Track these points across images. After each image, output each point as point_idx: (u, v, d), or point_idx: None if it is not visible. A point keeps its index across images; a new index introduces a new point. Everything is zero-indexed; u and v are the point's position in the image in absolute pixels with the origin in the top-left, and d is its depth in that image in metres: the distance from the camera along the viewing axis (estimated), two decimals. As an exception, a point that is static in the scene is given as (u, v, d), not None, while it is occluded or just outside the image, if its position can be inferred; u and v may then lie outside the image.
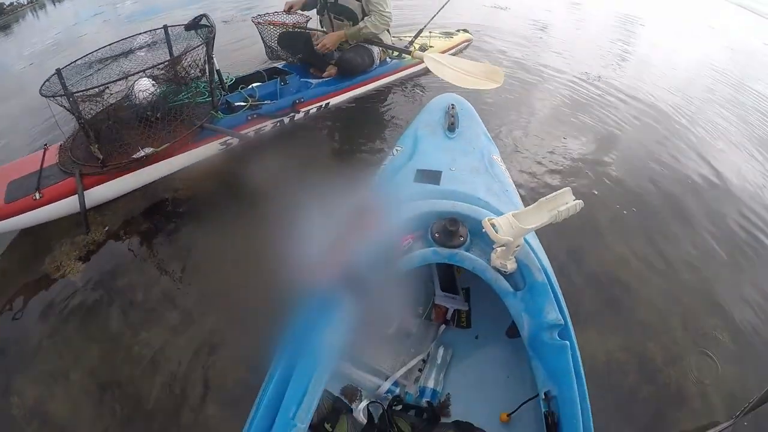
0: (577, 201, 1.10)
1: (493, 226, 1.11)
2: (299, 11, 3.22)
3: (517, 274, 1.23)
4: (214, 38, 2.47)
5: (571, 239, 2.29)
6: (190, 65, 2.49)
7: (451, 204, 1.36)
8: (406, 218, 1.33)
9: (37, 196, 2.20)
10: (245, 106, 2.83)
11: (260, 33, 3.15)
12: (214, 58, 2.57)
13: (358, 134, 3.16)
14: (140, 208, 2.48)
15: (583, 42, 5.61)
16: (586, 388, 1.04)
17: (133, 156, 2.34)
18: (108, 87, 2.20)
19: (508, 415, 1.27)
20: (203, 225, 2.38)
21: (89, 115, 2.23)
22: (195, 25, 2.59)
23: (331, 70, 3.27)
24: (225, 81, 2.89)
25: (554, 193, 1.11)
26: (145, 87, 2.36)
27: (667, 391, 1.72)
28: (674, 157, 3.21)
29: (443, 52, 4.04)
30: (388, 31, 3.30)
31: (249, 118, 2.82)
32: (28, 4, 7.45)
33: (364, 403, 1.32)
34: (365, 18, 3.04)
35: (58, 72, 2.08)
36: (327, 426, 1.21)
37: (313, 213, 1.36)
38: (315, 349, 1.08)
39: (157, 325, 1.87)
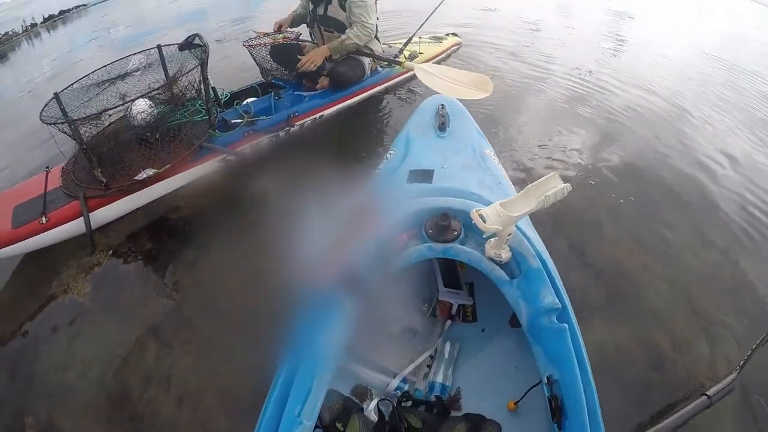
0: (565, 185, 1.11)
1: (482, 216, 1.13)
2: (288, 29, 3.26)
3: (513, 262, 1.25)
4: (208, 58, 2.50)
5: (571, 230, 2.31)
6: (186, 87, 2.54)
7: (442, 200, 1.38)
8: (400, 218, 1.36)
9: (44, 220, 2.24)
10: (241, 122, 2.86)
11: (252, 56, 3.12)
12: (209, 77, 2.61)
13: (353, 141, 3.20)
14: (143, 226, 2.51)
15: (574, 38, 5.64)
16: (589, 369, 1.04)
17: (136, 178, 2.37)
18: (107, 111, 2.23)
19: (515, 403, 1.28)
20: (205, 239, 2.40)
21: (90, 139, 2.27)
22: (188, 44, 2.62)
23: (324, 81, 3.30)
24: (220, 98, 2.93)
25: (541, 179, 1.13)
26: (142, 108, 2.39)
27: (676, 378, 1.72)
28: (672, 144, 3.23)
29: (433, 57, 4.09)
30: (377, 39, 3.34)
31: (245, 134, 2.85)
32: (23, 32, 7.55)
33: (374, 402, 1.34)
34: (347, 30, 3.05)
35: (56, 96, 2.11)
36: (339, 425, 1.23)
37: (310, 219, 1.38)
38: (317, 348, 1.10)
39: (164, 341, 1.89)
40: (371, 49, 3.31)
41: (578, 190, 1.06)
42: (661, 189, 2.73)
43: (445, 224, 1.29)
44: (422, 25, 3.80)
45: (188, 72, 2.43)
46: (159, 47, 2.57)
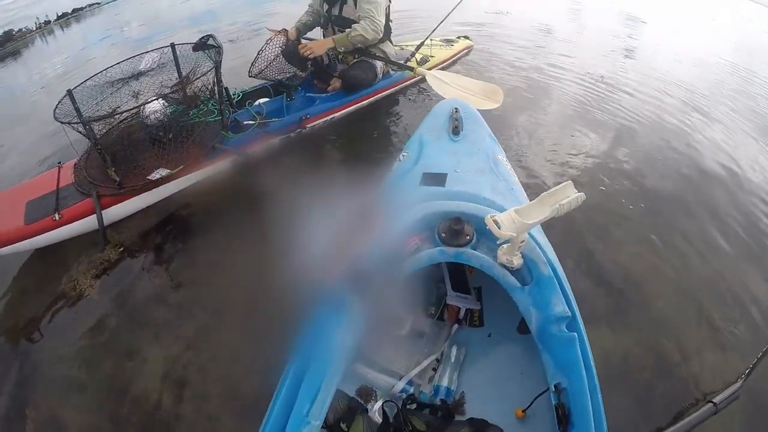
0: (579, 194, 1.12)
1: (496, 222, 1.13)
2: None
3: (524, 269, 1.25)
4: (221, 60, 2.52)
5: (581, 236, 2.31)
6: (200, 88, 2.56)
7: (455, 204, 1.39)
8: (412, 220, 1.37)
9: (57, 216, 2.27)
10: (253, 124, 2.88)
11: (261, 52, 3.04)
12: (223, 77, 2.63)
13: (365, 143, 3.21)
14: (153, 223, 2.54)
15: (586, 42, 5.61)
16: (596, 378, 1.05)
17: (149, 177, 2.39)
18: (120, 110, 2.26)
19: (523, 411, 1.28)
20: (215, 237, 2.42)
21: (102, 137, 2.29)
22: (202, 45, 2.64)
23: (336, 83, 3.32)
24: (233, 98, 2.95)
25: (556, 187, 1.13)
26: (155, 107, 2.41)
27: (683, 386, 1.71)
28: (683, 151, 3.21)
29: (445, 61, 4.10)
30: (390, 41, 3.35)
31: (257, 135, 2.86)
32: (36, 30, 7.62)
33: (379, 403, 1.35)
34: (354, 24, 3.01)
35: (70, 93, 2.13)
36: (343, 426, 1.24)
37: (321, 220, 1.39)
38: (327, 349, 1.11)
39: (172, 338, 1.91)
40: (384, 52, 3.31)
41: (588, 196, 1.06)
42: (671, 195, 2.71)
43: (459, 228, 1.29)
44: (435, 29, 3.80)
45: (202, 75, 2.45)
46: (173, 46, 2.58)
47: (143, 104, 2.34)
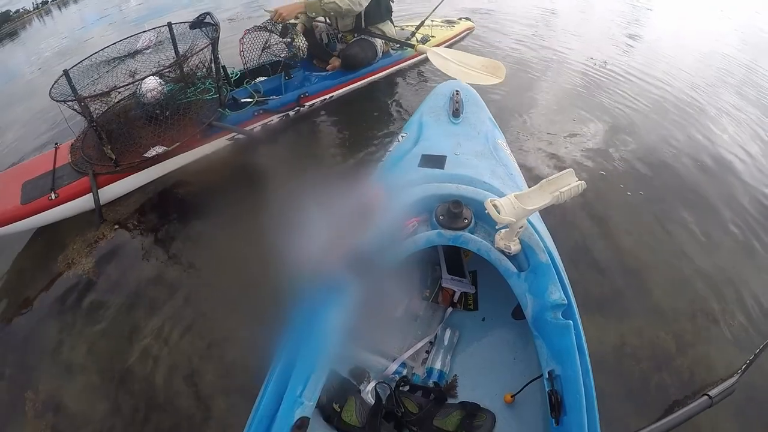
0: (580, 182, 1.10)
1: (496, 207, 1.12)
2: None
3: (521, 255, 1.24)
4: (218, 37, 2.49)
5: (579, 223, 2.29)
6: (197, 65, 2.53)
7: (455, 187, 1.37)
8: (410, 202, 1.35)
9: (53, 196, 2.26)
10: (251, 101, 2.86)
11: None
12: (220, 56, 2.60)
13: (364, 123, 3.18)
14: (150, 202, 2.53)
15: (590, 27, 5.53)
16: (590, 367, 1.04)
17: (145, 155, 2.38)
18: (117, 89, 2.23)
19: (512, 396, 1.29)
20: (212, 217, 2.41)
21: (99, 117, 2.28)
22: (199, 23, 2.61)
23: (335, 62, 3.29)
24: (231, 76, 2.93)
25: (556, 174, 1.11)
26: (152, 86, 2.39)
27: (678, 378, 1.71)
28: (685, 140, 3.16)
29: (445, 41, 4.05)
30: (390, 21, 3.31)
31: (255, 113, 2.86)
32: (34, 10, 7.53)
33: (371, 384, 1.35)
34: None
35: (66, 73, 2.11)
36: (335, 406, 1.25)
37: (318, 200, 1.38)
38: (321, 329, 1.11)
39: (167, 319, 1.90)
40: (383, 31, 3.27)
41: (588, 183, 1.04)
42: (672, 185, 2.68)
43: (457, 212, 1.28)
44: (436, 8, 3.76)
45: (199, 51, 2.42)
46: (170, 25, 2.54)
47: (140, 80, 2.31)
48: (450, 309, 1.60)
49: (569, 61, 4.28)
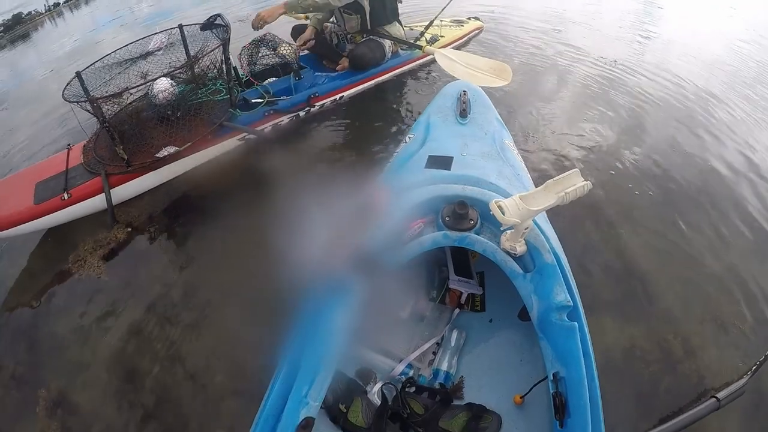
0: (585, 182, 1.09)
1: (501, 208, 1.12)
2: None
3: (527, 256, 1.23)
4: (229, 38, 2.51)
5: (586, 223, 2.26)
6: (208, 66, 2.56)
7: (460, 188, 1.37)
8: (416, 203, 1.36)
9: (66, 196, 2.30)
10: (262, 102, 2.88)
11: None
12: (231, 57, 2.63)
13: (372, 123, 3.18)
14: (162, 203, 2.56)
15: (600, 26, 5.45)
16: (595, 369, 1.04)
17: (157, 155, 2.41)
18: (129, 90, 2.26)
19: (521, 397, 1.29)
20: (223, 219, 2.43)
21: (111, 117, 2.30)
22: (210, 24, 2.64)
23: (344, 62, 3.30)
24: (241, 77, 2.95)
25: (562, 175, 1.11)
26: (164, 87, 2.42)
27: (686, 380, 1.68)
28: (696, 140, 3.10)
29: (454, 41, 4.04)
30: (398, 22, 3.32)
31: (266, 114, 2.88)
32: (46, 12, 7.63)
33: (378, 385, 1.36)
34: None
35: (78, 75, 2.15)
36: (341, 407, 1.25)
37: (327, 200, 1.38)
38: (326, 330, 1.11)
39: (177, 319, 1.93)
40: (390, 32, 3.28)
41: (596, 183, 1.03)
42: (681, 186, 2.63)
43: (463, 213, 1.28)
44: (444, 8, 3.75)
45: (210, 52, 2.44)
46: (180, 27, 2.59)
47: (152, 81, 2.35)
48: (457, 310, 1.60)
49: (579, 60, 4.23)
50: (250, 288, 2.01)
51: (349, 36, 3.31)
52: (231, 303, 1.98)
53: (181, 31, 2.59)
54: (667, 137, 3.10)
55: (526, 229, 1.19)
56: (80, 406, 1.69)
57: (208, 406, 1.63)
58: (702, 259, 2.16)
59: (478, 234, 1.28)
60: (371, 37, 3.27)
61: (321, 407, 1.09)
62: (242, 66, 3.04)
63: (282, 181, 2.54)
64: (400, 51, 3.58)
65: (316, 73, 3.27)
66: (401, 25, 3.40)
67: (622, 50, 4.62)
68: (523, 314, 1.44)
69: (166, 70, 2.45)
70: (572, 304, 1.11)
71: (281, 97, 2.97)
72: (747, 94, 3.97)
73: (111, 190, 2.38)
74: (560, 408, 1.01)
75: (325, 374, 1.06)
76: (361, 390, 1.34)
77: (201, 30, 2.65)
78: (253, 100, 2.88)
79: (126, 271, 2.17)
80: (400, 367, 1.42)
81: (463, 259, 1.66)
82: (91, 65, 2.37)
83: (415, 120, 2.05)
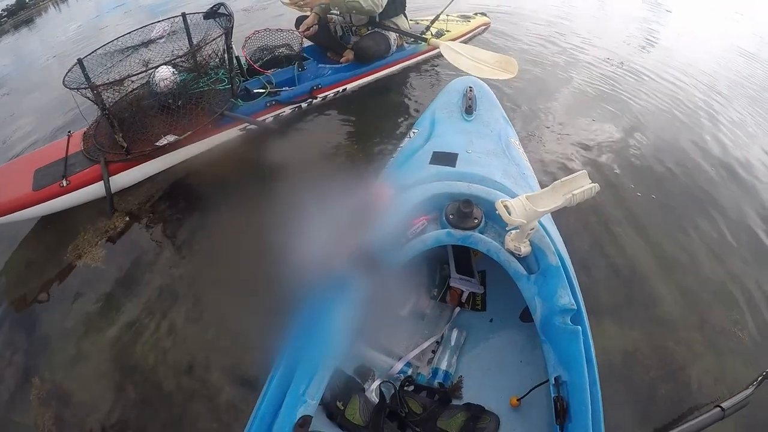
0: (593, 184, 1.07)
1: (507, 208, 1.10)
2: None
3: (531, 257, 1.22)
4: (232, 27, 2.48)
5: (589, 226, 2.24)
6: (210, 55, 2.53)
7: (465, 186, 1.35)
8: (420, 200, 1.34)
9: (64, 183, 2.27)
10: (264, 92, 2.86)
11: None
12: (233, 46, 2.60)
13: (376, 117, 3.16)
14: (161, 192, 2.53)
15: (607, 27, 5.44)
16: (597, 374, 1.02)
17: (157, 143, 2.39)
18: (130, 77, 2.24)
19: (518, 400, 1.27)
20: (222, 209, 2.41)
21: (112, 105, 2.28)
22: (213, 13, 2.61)
23: (349, 54, 3.27)
24: (244, 67, 2.92)
25: (569, 176, 1.09)
26: (165, 75, 2.40)
27: (688, 389, 1.67)
28: (701, 145, 3.07)
29: (460, 36, 4.01)
30: (404, 15, 3.28)
31: (268, 104, 2.86)
32: (50, -2, 7.58)
33: (376, 383, 1.35)
34: None
35: (80, 62, 2.13)
36: (339, 404, 1.24)
37: (328, 194, 1.37)
38: (326, 328, 1.10)
39: (175, 311, 1.90)
40: (397, 25, 3.25)
41: (601, 185, 1.01)
42: (685, 191, 2.61)
43: (468, 211, 1.26)
44: (450, 2, 3.72)
45: (212, 41, 2.42)
46: (184, 15, 2.57)
47: (153, 69, 2.33)
48: (458, 309, 1.59)
49: (585, 60, 4.21)
50: (251, 280, 1.99)
51: (354, 28, 3.28)
52: (230, 295, 1.96)
53: (184, 20, 2.57)
54: (671, 140, 3.08)
55: (531, 229, 1.17)
56: (75, 396, 1.67)
57: (206, 400, 1.61)
58: (705, 264, 2.15)
59: (482, 233, 1.26)
60: (377, 29, 3.23)
61: (318, 404, 1.07)
62: (245, 55, 3.01)
63: (283, 172, 2.52)
64: (405, 44, 3.56)
65: (320, 65, 3.23)
66: (407, 18, 3.36)
67: (629, 52, 4.60)
68: (525, 315, 1.43)
69: (168, 59, 2.43)
70: (576, 307, 1.09)
71: (283, 88, 2.95)
72: (753, 99, 3.95)
73: (110, 178, 2.36)
74: (561, 412, 0.99)
75: (323, 373, 1.05)
76: (359, 387, 1.33)
77: (204, 18, 2.63)
78: (255, 90, 2.85)
79: (124, 260, 2.15)
80: (399, 366, 1.41)
81: (464, 257, 1.64)
82: (93, 52, 2.35)
83: (419, 114, 2.02)
